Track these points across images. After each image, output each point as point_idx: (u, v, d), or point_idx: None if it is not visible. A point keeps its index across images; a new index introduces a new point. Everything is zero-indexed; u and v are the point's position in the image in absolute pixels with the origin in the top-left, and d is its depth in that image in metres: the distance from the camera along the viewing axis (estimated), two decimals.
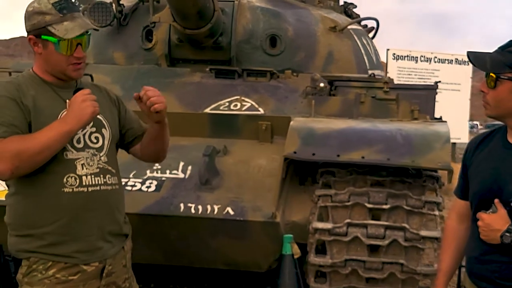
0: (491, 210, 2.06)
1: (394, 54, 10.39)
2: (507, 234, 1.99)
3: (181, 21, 3.97)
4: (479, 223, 2.07)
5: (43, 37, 2.14)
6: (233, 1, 4.46)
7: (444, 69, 10.60)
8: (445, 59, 10.82)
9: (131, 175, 3.39)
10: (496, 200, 2.04)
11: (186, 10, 3.82)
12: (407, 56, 10.54)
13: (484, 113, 2.11)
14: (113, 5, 4.52)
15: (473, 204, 2.18)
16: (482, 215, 2.07)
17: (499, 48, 2.05)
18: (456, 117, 9.35)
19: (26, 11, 2.18)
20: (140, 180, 3.44)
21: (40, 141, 2.05)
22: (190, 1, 3.71)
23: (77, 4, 2.26)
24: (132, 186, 3.39)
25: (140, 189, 3.40)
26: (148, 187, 3.41)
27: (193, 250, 3.44)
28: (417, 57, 10.59)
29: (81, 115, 2.10)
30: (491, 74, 2.03)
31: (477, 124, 35.57)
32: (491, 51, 2.07)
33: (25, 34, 2.22)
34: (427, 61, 10.67)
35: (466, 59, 10.69)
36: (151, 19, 4.27)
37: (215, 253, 3.43)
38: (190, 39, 4.24)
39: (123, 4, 4.61)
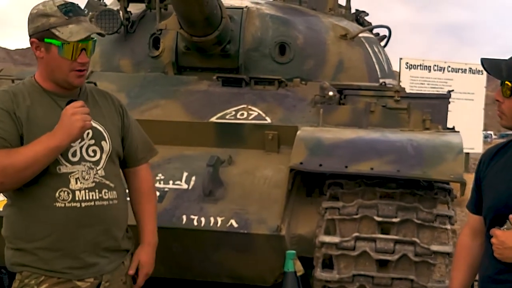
0: (505, 226, 1.95)
1: (407, 63, 10.32)
2: None
3: (188, 28, 3.91)
4: (493, 240, 1.97)
5: (46, 40, 2.07)
6: (242, 8, 4.39)
7: (457, 79, 10.50)
8: (458, 68, 10.72)
9: None
10: (511, 216, 1.93)
11: (193, 17, 3.76)
12: (420, 65, 10.47)
13: (499, 123, 2.00)
14: (120, 12, 4.47)
15: (487, 220, 2.07)
16: (496, 231, 1.96)
17: None
18: (470, 126, 9.25)
19: (30, 13, 2.12)
20: None
21: (27, 156, 1.98)
22: (197, 8, 3.63)
23: (83, 9, 2.20)
24: None
25: None
26: None
27: (196, 263, 3.36)
28: (430, 66, 10.51)
29: (70, 129, 2.02)
30: (506, 82, 1.93)
31: (491, 134, 35.29)
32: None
33: None
34: (440, 70, 10.58)
35: (480, 68, 10.59)
36: (158, 26, 4.21)
37: (219, 266, 3.35)
38: (197, 46, 4.17)
39: (130, 12, 4.55)
